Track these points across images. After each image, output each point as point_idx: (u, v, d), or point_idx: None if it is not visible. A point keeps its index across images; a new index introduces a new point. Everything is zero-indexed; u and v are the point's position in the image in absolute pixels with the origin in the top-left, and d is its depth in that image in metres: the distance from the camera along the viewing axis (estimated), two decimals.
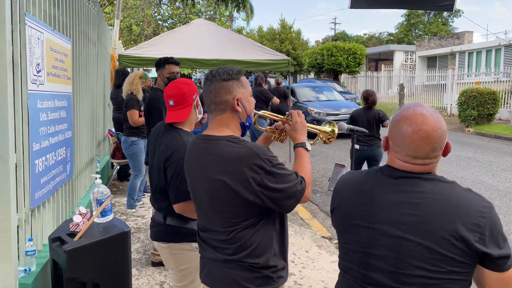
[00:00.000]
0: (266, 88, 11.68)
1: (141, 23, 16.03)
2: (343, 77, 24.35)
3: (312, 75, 26.01)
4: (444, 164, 8.16)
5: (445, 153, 1.32)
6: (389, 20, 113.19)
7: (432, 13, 39.47)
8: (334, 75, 22.80)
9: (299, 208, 5.47)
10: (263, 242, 1.62)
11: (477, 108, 13.52)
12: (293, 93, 12.76)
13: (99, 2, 15.44)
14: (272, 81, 16.20)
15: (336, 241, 4.53)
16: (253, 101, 1.79)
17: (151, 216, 2.72)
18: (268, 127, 2.07)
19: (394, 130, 1.32)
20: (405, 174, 1.28)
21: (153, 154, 2.34)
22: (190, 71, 13.17)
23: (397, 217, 1.25)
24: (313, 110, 11.49)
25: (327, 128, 2.14)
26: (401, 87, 17.82)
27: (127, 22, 15.70)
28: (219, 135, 1.68)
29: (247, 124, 1.77)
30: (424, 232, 1.20)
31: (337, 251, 4.42)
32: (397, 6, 8.10)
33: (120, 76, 5.78)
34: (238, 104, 1.69)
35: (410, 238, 1.22)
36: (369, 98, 5.50)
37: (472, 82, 17.63)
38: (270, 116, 2.03)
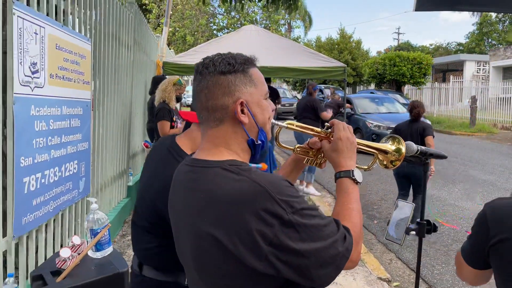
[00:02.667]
0: (337, 98, 10.83)
1: (196, 33, 15.99)
2: (406, 88, 22.81)
3: (372, 86, 24.70)
4: None
5: None
6: (458, 29, 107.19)
7: (507, 21, 36.42)
8: (397, 86, 21.38)
9: None
10: None
11: None
12: (350, 104, 11.86)
13: (148, 8, 15.60)
14: (328, 92, 15.40)
15: (396, 283, 3.68)
16: (268, 106, 1.13)
17: None
18: (298, 145, 1.39)
19: None
20: None
21: (145, 174, 1.73)
22: None
23: None
24: (372, 123, 10.52)
25: (389, 146, 1.42)
26: (473, 99, 16.14)
27: (182, 32, 15.73)
28: (212, 160, 1.05)
29: (259, 142, 1.11)
30: None
31: None
32: (470, 8, 7.01)
33: (154, 82, 5.37)
34: (243, 112, 1.05)
35: None
36: (413, 111, 4.85)
37: None
38: (299, 129, 1.35)
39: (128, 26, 4.61)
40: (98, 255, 2.20)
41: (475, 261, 1.28)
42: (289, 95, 20.60)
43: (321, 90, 18.78)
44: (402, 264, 4.16)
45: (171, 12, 16.60)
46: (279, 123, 1.29)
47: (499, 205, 1.23)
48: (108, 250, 2.24)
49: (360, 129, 10.85)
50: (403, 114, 11.60)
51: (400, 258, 4.27)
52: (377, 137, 9.99)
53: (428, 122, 10.19)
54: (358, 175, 1.19)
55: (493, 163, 9.28)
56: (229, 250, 0.93)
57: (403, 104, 13.62)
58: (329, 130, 1.30)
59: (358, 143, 1.35)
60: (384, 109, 11.68)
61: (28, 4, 2.39)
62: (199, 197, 1.00)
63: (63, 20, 2.90)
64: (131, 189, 5.01)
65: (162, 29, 8.06)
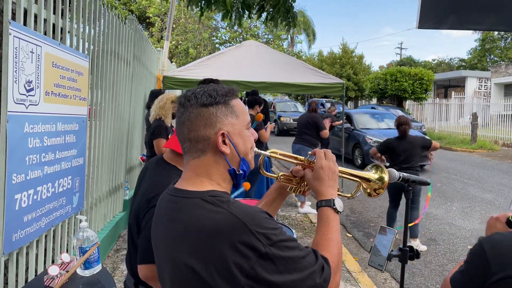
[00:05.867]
0: (333, 112, 10.85)
1: (198, 46, 16.14)
2: (408, 103, 22.85)
3: (374, 100, 24.77)
4: None
5: None
6: (460, 45, 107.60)
7: (509, 38, 36.61)
8: (398, 101, 21.42)
9: (347, 256, 4.64)
10: None
11: None
12: (350, 119, 11.88)
13: (152, 21, 15.77)
14: (328, 105, 15.43)
15: None
16: (250, 136, 1.16)
17: None
18: (281, 173, 1.41)
19: None
20: None
21: (135, 195, 1.78)
22: (241, 94, 12.93)
23: None
24: (371, 139, 10.52)
25: (371, 174, 1.43)
26: (474, 116, 16.15)
27: (185, 45, 15.88)
28: (192, 190, 1.06)
29: (241, 171, 1.13)
30: None
31: None
32: (473, 27, 7.05)
33: (152, 96, 5.40)
34: (224, 142, 1.08)
35: None
36: (400, 127, 4.95)
37: None
38: (282, 157, 1.37)
39: (128, 41, 4.68)
40: (87, 273, 2.21)
41: None
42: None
43: (322, 104, 18.87)
44: (396, 284, 4.13)
45: (174, 26, 16.85)
46: (263, 151, 1.31)
47: (499, 240, 1.20)
48: (97, 268, 2.25)
49: (360, 145, 10.86)
50: None
51: (395, 277, 4.24)
52: None
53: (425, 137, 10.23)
54: (339, 204, 1.20)
55: (493, 181, 9.25)
56: (206, 281, 0.94)
57: None
58: (312, 158, 1.32)
59: (342, 172, 1.37)
60: (384, 125, 11.69)
61: (25, 23, 2.44)
62: (178, 227, 1.02)
63: (61, 38, 2.95)
64: (127, 202, 5.02)
65: (164, 43, 8.14)
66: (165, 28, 15.86)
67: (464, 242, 5.31)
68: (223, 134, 1.08)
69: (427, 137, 9.14)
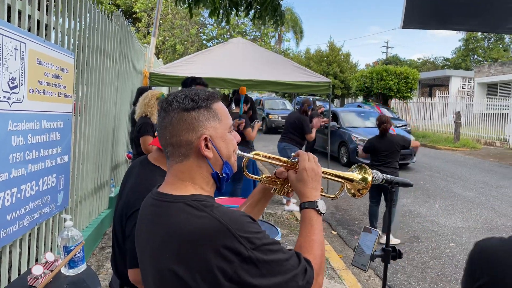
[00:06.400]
0: (318, 110, 10.83)
1: (185, 42, 16.04)
2: (393, 102, 23.11)
3: (360, 99, 24.98)
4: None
5: None
6: (445, 44, 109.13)
7: (492, 38, 37.31)
8: (384, 100, 21.66)
9: (332, 253, 4.70)
10: None
11: None
12: (336, 117, 11.98)
13: (138, 16, 15.61)
14: (318, 103, 15.48)
15: None
16: (233, 139, 1.17)
17: None
18: (265, 175, 1.43)
19: None
20: None
21: (120, 195, 1.78)
22: (229, 92, 12.95)
23: None
24: (357, 137, 10.63)
25: (355, 175, 1.45)
26: (458, 115, 16.43)
27: (172, 41, 15.76)
28: (176, 194, 1.07)
29: (224, 175, 1.14)
30: None
31: None
32: (457, 27, 7.18)
33: (139, 93, 5.36)
34: (207, 147, 1.09)
35: None
36: (381, 126, 5.10)
37: None
38: (265, 159, 1.38)
39: (114, 38, 4.63)
40: (71, 272, 2.20)
41: None
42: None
43: (314, 102, 18.90)
44: (380, 281, 4.20)
45: (161, 21, 16.71)
46: (246, 154, 1.32)
47: (487, 247, 1.22)
48: (82, 268, 2.24)
49: (346, 143, 10.96)
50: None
51: (378, 275, 4.31)
52: None
53: (408, 136, 10.38)
54: (322, 206, 1.22)
55: (475, 179, 9.45)
56: (190, 286, 0.95)
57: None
58: (296, 160, 1.34)
59: (326, 173, 1.39)
60: (369, 123, 11.82)
61: (8, 20, 2.40)
62: (161, 232, 1.03)
63: (46, 34, 2.91)
64: (113, 200, 4.99)
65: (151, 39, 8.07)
66: (152, 24, 15.71)
67: (446, 240, 5.42)
68: (205, 139, 1.08)
69: (408, 135, 9.30)
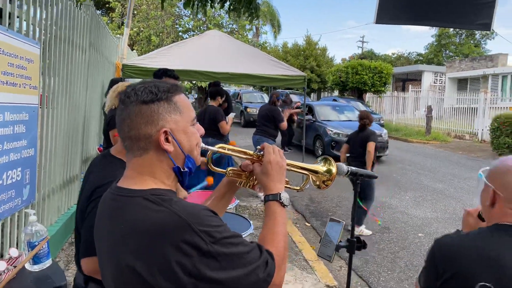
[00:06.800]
0: (288, 101, 10.92)
1: (161, 34, 15.77)
2: (368, 96, 23.47)
3: (336, 93, 25.25)
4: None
5: None
6: (419, 40, 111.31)
7: (464, 34, 38.29)
8: (359, 94, 21.96)
9: (305, 245, 4.77)
10: None
11: None
12: (311, 111, 12.08)
13: (112, 6, 15.22)
14: (295, 98, 15.56)
15: None
16: (196, 132, 1.15)
17: None
18: (230, 168, 1.42)
19: (507, 180, 1.26)
20: None
21: (82, 190, 1.75)
22: (206, 84, 12.83)
23: None
24: (331, 130, 10.76)
25: (320, 167, 1.46)
26: (429, 109, 16.84)
27: (147, 32, 15.47)
28: (135, 189, 1.05)
29: (186, 169, 1.13)
30: None
31: None
32: (428, 23, 7.34)
33: (111, 85, 5.26)
34: (167, 140, 1.07)
35: None
36: (360, 121, 5.30)
37: (506, 107, 16.50)
38: (231, 152, 1.38)
39: (83, 28, 4.51)
40: (36, 268, 2.14)
41: None
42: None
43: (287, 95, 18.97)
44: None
45: (135, 12, 16.36)
46: (210, 147, 1.31)
47: (445, 243, 1.32)
48: (47, 263, 2.19)
49: (321, 136, 11.07)
50: None
51: None
52: (336, 144, 10.24)
53: (381, 129, 10.58)
54: (285, 198, 1.23)
55: (444, 172, 9.73)
56: (148, 281, 0.94)
57: None
58: (261, 153, 1.34)
59: (290, 165, 1.39)
60: (344, 117, 11.97)
61: None
62: (120, 227, 1.01)
63: (9, 23, 2.81)
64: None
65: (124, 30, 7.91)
66: (126, 14, 15.35)
67: (415, 230, 5.58)
68: (165, 132, 1.06)
69: (381, 129, 9.49)
